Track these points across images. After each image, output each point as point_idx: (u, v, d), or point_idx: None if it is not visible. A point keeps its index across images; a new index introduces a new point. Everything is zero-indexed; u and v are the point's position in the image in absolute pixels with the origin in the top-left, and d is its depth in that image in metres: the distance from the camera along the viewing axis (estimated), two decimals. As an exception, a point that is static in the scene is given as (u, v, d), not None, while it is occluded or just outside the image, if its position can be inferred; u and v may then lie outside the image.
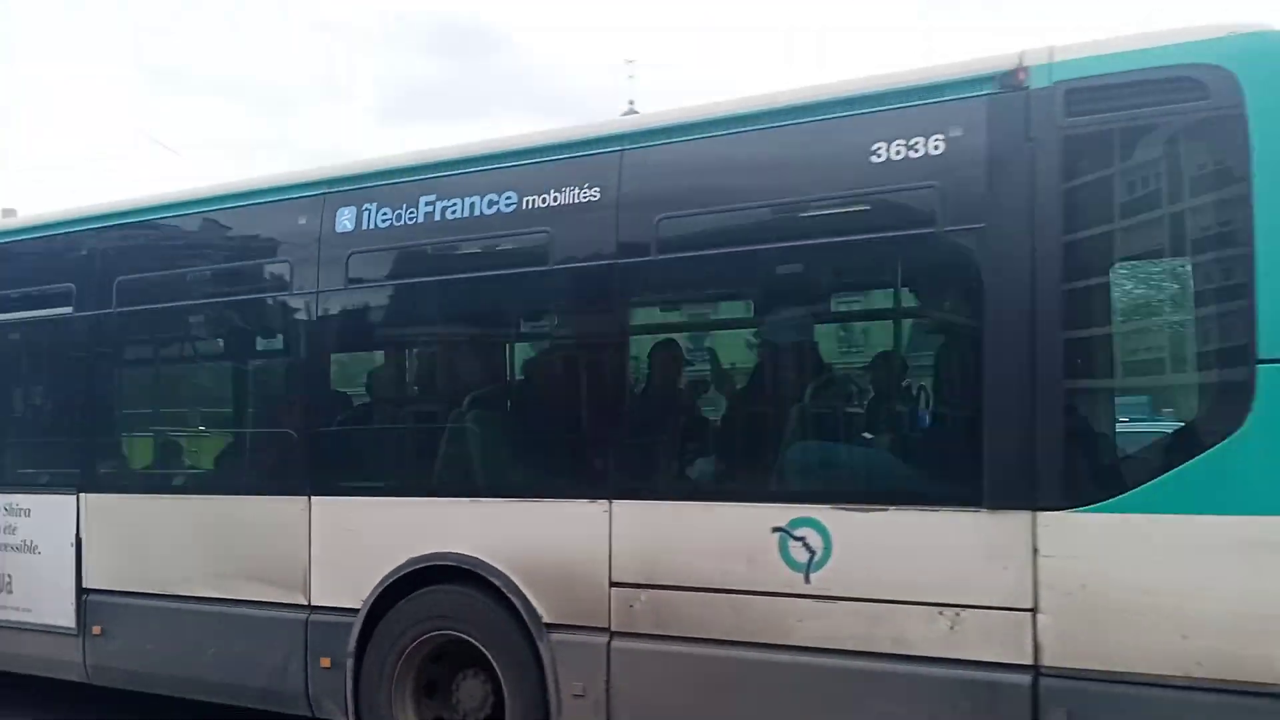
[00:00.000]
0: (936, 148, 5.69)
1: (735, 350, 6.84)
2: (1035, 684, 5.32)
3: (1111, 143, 5.43)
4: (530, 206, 6.71)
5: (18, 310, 8.98)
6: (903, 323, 6.08)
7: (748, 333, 6.76)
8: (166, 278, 8.24)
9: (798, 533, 5.81)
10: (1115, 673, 5.18)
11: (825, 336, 6.43)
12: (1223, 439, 5.03)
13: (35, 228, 8.99)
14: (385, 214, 7.21)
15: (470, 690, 6.87)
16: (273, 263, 7.76)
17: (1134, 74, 5.38)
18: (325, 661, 7.17)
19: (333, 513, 7.26)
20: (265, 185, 7.81)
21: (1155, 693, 5.10)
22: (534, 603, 6.50)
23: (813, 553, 5.78)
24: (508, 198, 6.79)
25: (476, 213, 6.89)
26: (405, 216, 7.13)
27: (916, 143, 5.74)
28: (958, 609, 5.47)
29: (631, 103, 37.47)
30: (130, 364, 8.69)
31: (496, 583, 6.58)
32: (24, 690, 9.09)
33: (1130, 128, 5.39)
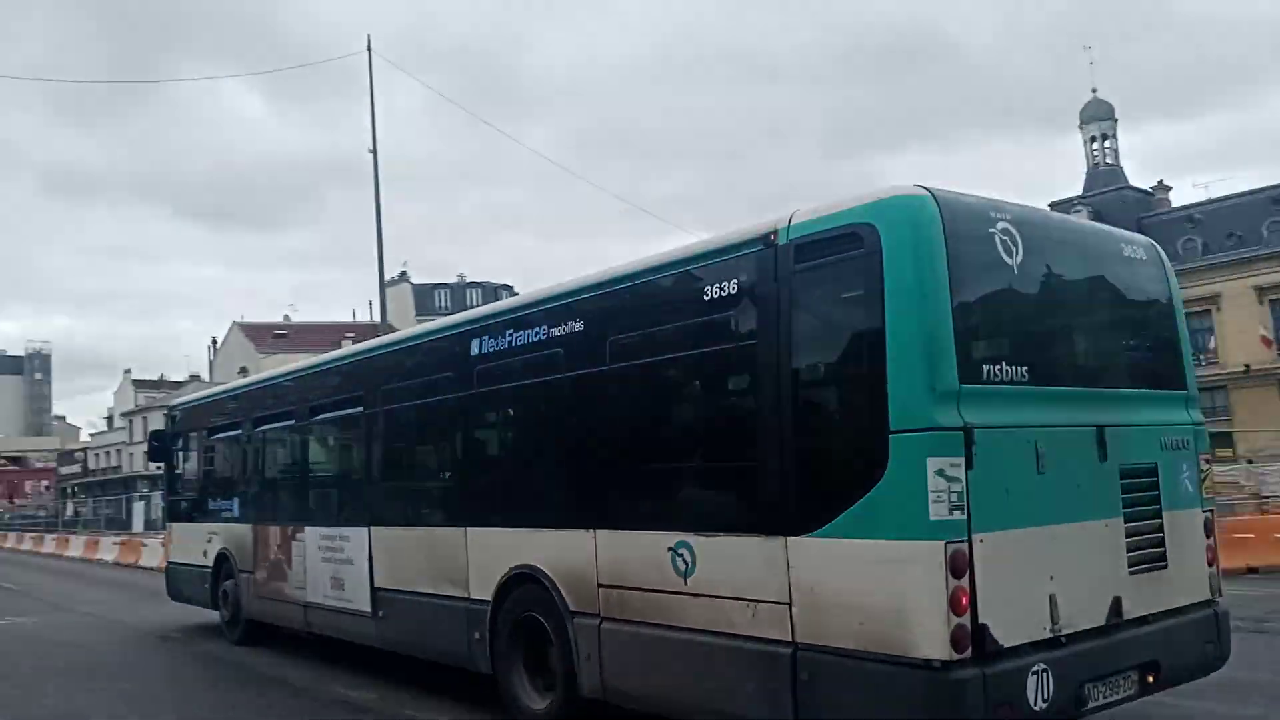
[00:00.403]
0: (733, 288, 8.30)
1: (642, 427, 9.51)
2: (794, 654, 7.81)
3: (821, 278, 7.81)
4: (549, 335, 9.94)
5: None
6: (721, 409, 8.69)
7: (651, 416, 9.46)
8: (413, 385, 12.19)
9: (680, 551, 8.60)
10: (833, 647, 7.59)
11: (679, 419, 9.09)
12: (874, 486, 7.32)
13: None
14: (492, 342, 10.68)
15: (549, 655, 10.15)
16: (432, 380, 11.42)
17: (829, 230, 7.74)
18: (476, 635, 10.69)
19: (477, 538, 10.80)
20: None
21: (855, 662, 7.47)
22: (566, 596, 9.66)
23: (687, 564, 8.55)
24: (538, 331, 10.07)
25: (536, 339, 10.16)
26: (502, 343, 10.58)
27: (723, 285, 8.37)
28: (755, 603, 8.05)
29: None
30: (382, 446, 12.74)
31: (545, 583, 9.81)
32: (341, 647, 13.34)
33: (828, 266, 7.75)
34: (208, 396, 17.98)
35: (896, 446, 7.20)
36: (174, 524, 18.19)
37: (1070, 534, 7.73)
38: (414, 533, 11.77)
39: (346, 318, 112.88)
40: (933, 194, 7.52)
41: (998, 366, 7.56)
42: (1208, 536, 8.91)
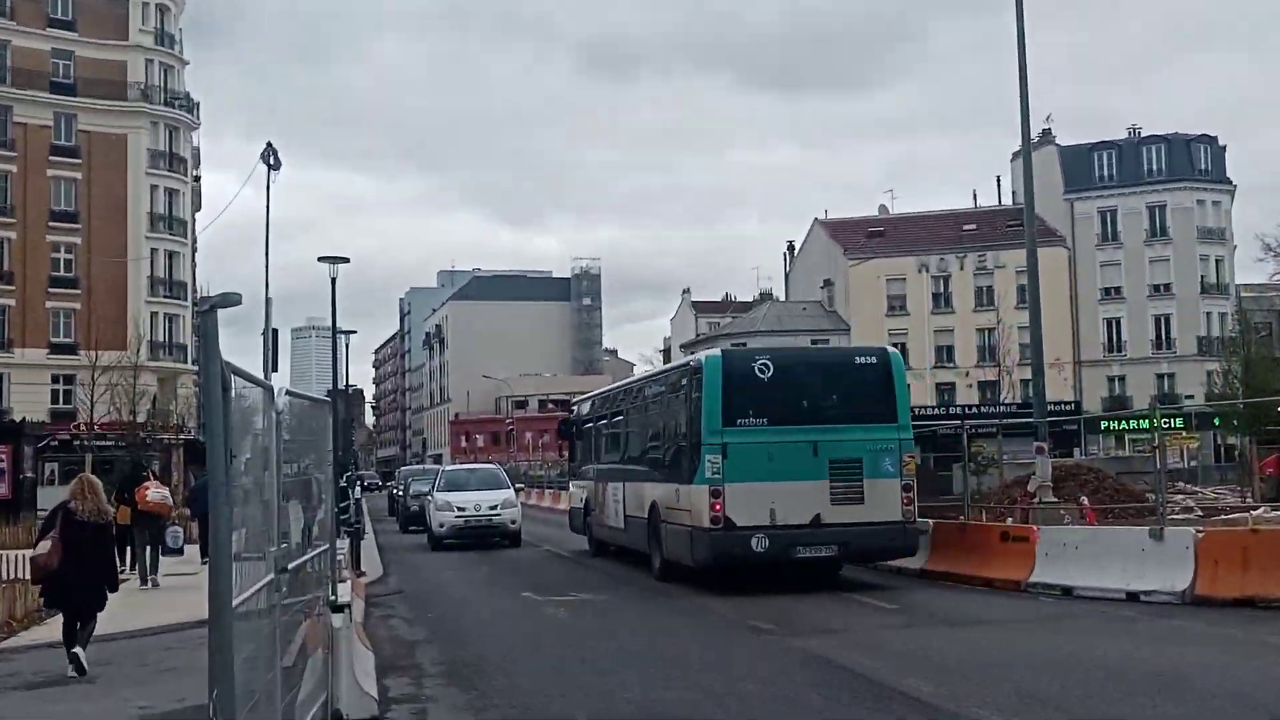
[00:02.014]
0: (684, 378, 20.60)
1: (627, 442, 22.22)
2: (660, 523, 20.38)
3: (681, 385, 20.28)
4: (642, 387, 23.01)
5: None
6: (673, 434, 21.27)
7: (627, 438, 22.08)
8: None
9: (674, 491, 21.40)
10: (677, 522, 20.01)
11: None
12: (698, 464, 19.60)
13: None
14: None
15: None
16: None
17: (697, 366, 20.01)
18: (647, 534, 23.71)
19: (640, 489, 23.96)
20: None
21: (682, 526, 19.96)
22: (659, 512, 22.54)
23: (676, 496, 21.29)
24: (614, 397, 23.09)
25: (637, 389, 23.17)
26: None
27: (680, 375, 20.92)
28: (684, 510, 20.70)
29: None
30: (622, 439, 26.09)
31: (657, 509, 22.76)
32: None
33: (695, 378, 19.98)
34: (585, 398, 31.39)
35: (704, 449, 19.48)
36: (571, 482, 32.44)
37: (789, 486, 19.09)
38: (630, 485, 24.68)
39: (961, 201, 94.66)
40: (723, 353, 19.82)
41: (747, 419, 19.31)
42: (905, 493, 19.45)
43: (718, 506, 19.06)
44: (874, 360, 19.82)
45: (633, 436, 24.31)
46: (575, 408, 31.48)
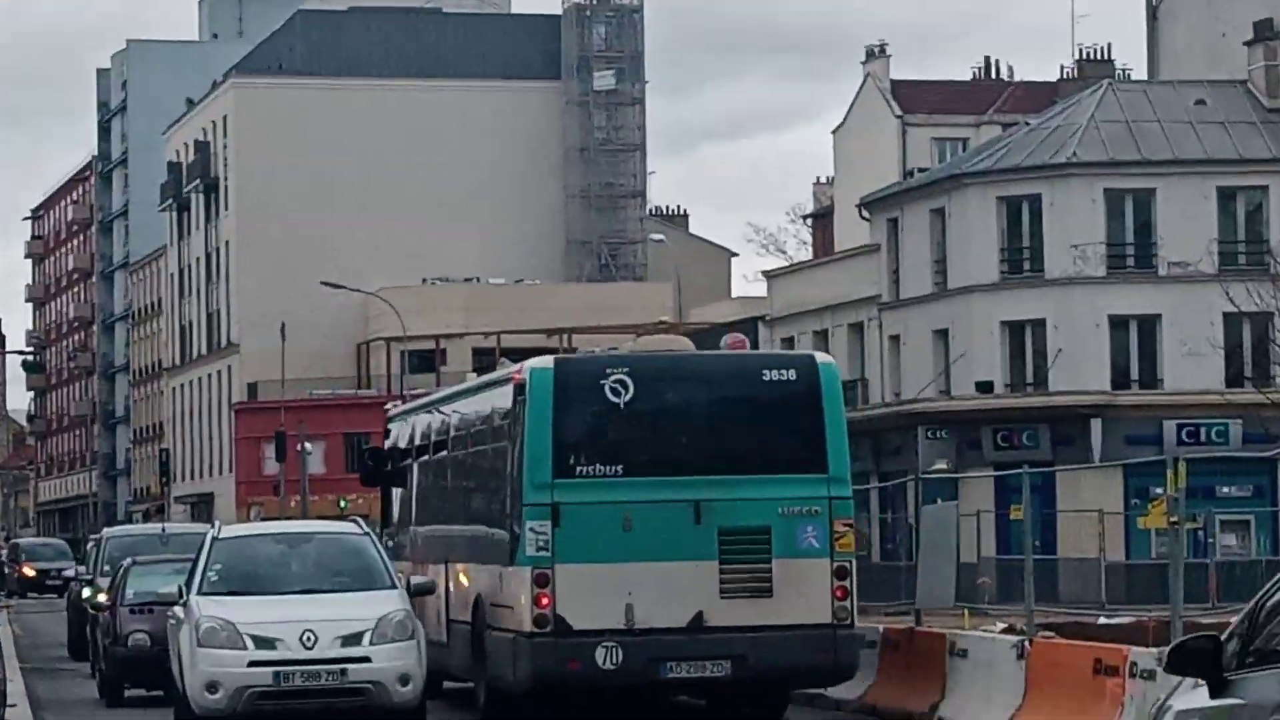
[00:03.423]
0: (504, 401, 13.69)
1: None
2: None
3: (503, 411, 13.48)
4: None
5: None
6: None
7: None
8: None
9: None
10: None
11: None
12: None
13: None
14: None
15: None
16: None
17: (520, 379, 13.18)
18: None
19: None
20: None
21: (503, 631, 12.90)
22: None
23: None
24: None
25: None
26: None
27: (500, 397, 13.90)
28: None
29: None
30: None
31: None
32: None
33: (508, 405, 13.24)
34: (403, 411, 23.58)
35: (524, 513, 12.64)
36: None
37: (656, 569, 12.54)
38: (453, 569, 17.61)
39: None
40: (556, 362, 13.13)
41: (591, 465, 12.69)
42: (840, 579, 12.98)
43: (544, 600, 12.48)
44: (792, 374, 13.44)
45: (454, 488, 16.44)
46: (390, 428, 19.60)
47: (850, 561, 13.18)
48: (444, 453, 16.62)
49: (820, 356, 13.95)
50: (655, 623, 12.53)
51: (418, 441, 17.66)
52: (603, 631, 12.43)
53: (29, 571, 51.03)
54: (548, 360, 13.37)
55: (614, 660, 12.33)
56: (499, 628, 13.57)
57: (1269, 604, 4.56)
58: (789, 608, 12.83)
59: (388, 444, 18.99)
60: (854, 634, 13.17)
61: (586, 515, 12.59)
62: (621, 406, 12.87)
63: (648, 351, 14.27)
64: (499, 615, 13.55)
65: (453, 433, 16.11)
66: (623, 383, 12.85)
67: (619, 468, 12.79)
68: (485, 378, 15.38)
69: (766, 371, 13.42)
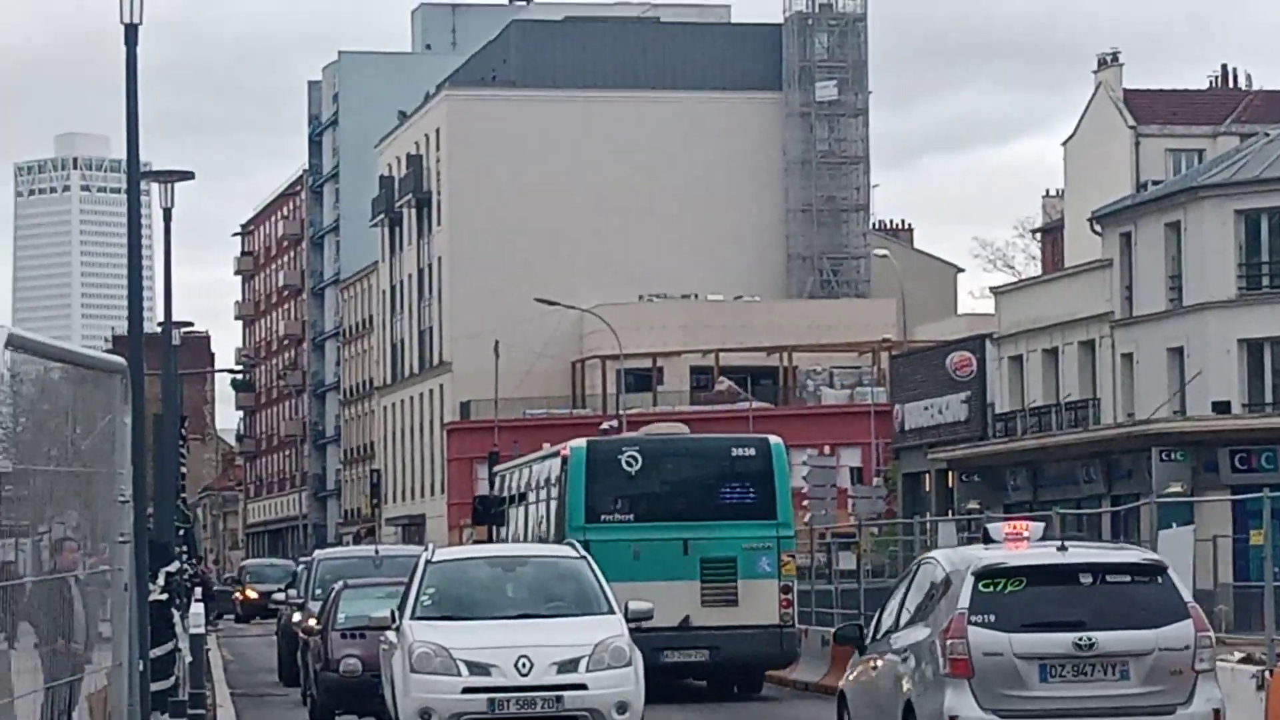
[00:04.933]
0: (556, 469, 20.68)
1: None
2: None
3: (556, 476, 19.19)
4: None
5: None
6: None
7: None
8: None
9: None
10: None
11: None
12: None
13: None
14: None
15: None
16: None
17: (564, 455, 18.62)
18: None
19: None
20: None
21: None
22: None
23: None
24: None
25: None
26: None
27: (555, 466, 20.89)
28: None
29: None
30: None
31: None
32: None
33: (559, 471, 18.49)
34: (509, 466, 28.04)
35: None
36: None
37: (657, 587, 17.43)
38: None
39: None
40: (589, 442, 20.46)
41: (612, 514, 19.42)
42: (784, 594, 19.65)
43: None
44: (752, 451, 20.31)
45: (529, 526, 23.29)
46: (494, 479, 27.64)
47: (792, 582, 20.27)
48: (524, 503, 23.49)
49: (772, 439, 20.48)
50: (655, 623, 15.73)
51: (510, 492, 24.96)
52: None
53: (251, 594, 47.98)
54: (583, 441, 20.71)
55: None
56: None
57: None
58: (749, 613, 19.60)
59: (493, 492, 27.08)
60: (794, 632, 20.16)
61: (608, 548, 17.47)
62: (633, 474, 19.82)
63: (652, 436, 22.35)
64: None
65: (528, 487, 23.01)
66: (635, 457, 19.99)
67: (631, 516, 19.66)
68: (546, 451, 22.43)
69: (735, 449, 20.49)
